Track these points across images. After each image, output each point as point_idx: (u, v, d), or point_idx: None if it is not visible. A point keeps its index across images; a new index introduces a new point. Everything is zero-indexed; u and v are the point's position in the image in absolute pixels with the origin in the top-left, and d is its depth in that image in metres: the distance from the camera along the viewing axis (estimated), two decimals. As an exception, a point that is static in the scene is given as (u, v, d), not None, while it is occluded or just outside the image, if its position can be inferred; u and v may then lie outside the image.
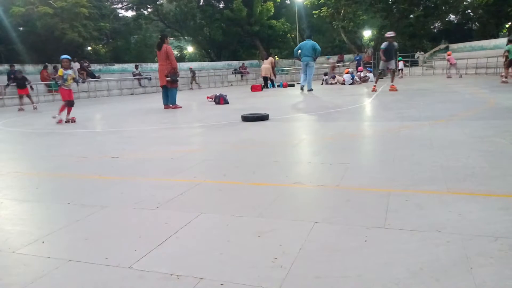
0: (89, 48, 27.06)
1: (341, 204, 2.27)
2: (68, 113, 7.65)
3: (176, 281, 1.49)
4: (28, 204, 2.65)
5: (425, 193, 2.35)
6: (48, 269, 1.65)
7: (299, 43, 30.58)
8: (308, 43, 13.03)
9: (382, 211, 2.08)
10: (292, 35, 33.87)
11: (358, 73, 18.24)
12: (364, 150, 3.98)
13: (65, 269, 1.65)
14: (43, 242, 1.94)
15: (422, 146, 3.70)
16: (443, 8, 24.27)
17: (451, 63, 17.46)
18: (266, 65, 17.59)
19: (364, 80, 17.68)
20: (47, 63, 18.08)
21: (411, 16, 23.77)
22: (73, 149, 4.76)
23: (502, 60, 13.61)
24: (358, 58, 22.20)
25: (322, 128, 5.50)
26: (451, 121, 5.21)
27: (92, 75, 19.00)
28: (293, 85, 19.10)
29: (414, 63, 24.01)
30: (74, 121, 7.59)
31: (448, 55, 18.22)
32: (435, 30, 31.59)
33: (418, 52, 24.83)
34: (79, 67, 18.96)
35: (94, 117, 9.38)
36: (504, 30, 28.13)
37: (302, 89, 13.25)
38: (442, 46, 25.20)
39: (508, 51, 12.52)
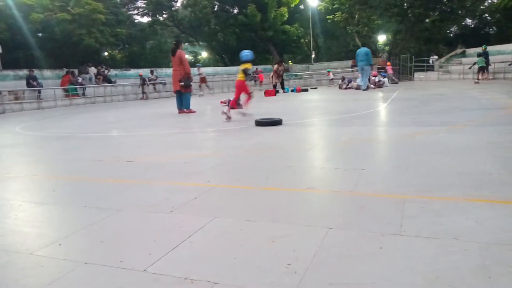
0: (106, 53, 27.54)
1: (355, 210, 2.25)
2: None
3: (190, 285, 1.49)
4: (46, 206, 2.70)
5: (441, 199, 2.32)
6: (65, 271, 1.67)
7: (313, 48, 30.66)
8: (363, 50, 14.98)
9: (397, 218, 2.06)
10: (306, 40, 33.88)
11: (373, 78, 18.10)
12: (379, 155, 3.95)
13: (81, 272, 1.67)
14: (59, 244, 1.97)
15: (438, 152, 3.65)
16: (460, 12, 23.96)
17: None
18: (273, 70, 18.75)
19: (379, 85, 17.53)
20: (70, 69, 18.46)
21: (427, 20, 23.52)
22: (89, 152, 4.84)
23: None
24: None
25: (336, 133, 5.47)
26: (468, 126, 5.12)
27: (108, 80, 19.30)
28: (306, 90, 19.06)
29: (430, 68, 23.70)
30: None
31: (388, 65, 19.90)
32: (451, 35, 31.14)
33: (432, 57, 24.48)
34: (95, 72, 19.31)
35: (110, 121, 9.51)
36: (523, 34, 27.60)
37: (358, 88, 15.44)
38: (459, 50, 24.83)
39: None
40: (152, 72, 21.61)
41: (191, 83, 10.00)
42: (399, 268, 1.54)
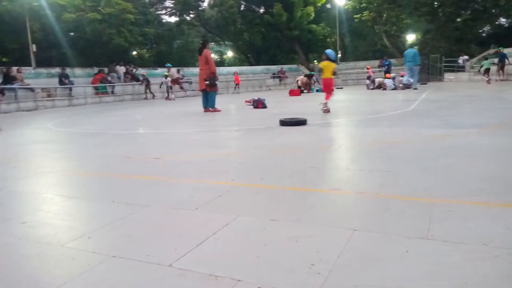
0: (134, 52, 28.14)
1: (380, 212, 2.22)
2: None
3: (214, 282, 1.51)
4: (76, 200, 2.79)
5: (471, 204, 2.25)
6: (94, 264, 1.73)
7: (339, 47, 30.31)
8: (411, 51, 15.98)
9: (424, 221, 2.02)
10: (332, 40, 33.54)
11: (401, 78, 17.72)
12: (406, 157, 3.87)
13: (109, 265, 1.72)
14: (89, 237, 2.03)
15: (468, 155, 3.54)
16: (493, 11, 23.12)
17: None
18: (302, 78, 19.05)
19: (407, 85, 17.15)
20: (101, 68, 19.02)
21: (458, 19, 22.82)
22: (117, 149, 4.97)
23: None
24: (386, 63, 20.57)
25: (361, 134, 5.40)
26: (500, 129, 4.95)
27: (136, 78, 19.74)
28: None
29: (461, 69, 22.97)
30: None
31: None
32: (483, 34, 30.09)
33: (461, 57, 23.69)
34: (124, 71, 19.79)
35: (137, 119, 9.72)
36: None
37: (408, 87, 15.80)
38: (491, 51, 23.95)
39: None
40: (178, 71, 21.93)
41: (217, 82, 10.09)
42: (425, 273, 1.51)
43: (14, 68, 15.66)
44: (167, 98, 17.68)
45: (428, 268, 1.55)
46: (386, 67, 20.06)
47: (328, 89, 8.44)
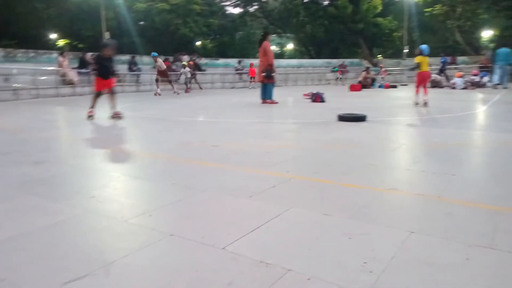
0: (198, 43, 28.98)
1: (441, 216, 2.11)
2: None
3: (265, 268, 1.55)
4: (139, 180, 2.97)
5: (546, 216, 2.07)
6: (153, 240, 1.84)
7: (407, 42, 28.89)
8: (505, 50, 15.82)
9: (488, 230, 1.89)
10: (399, 34, 32.01)
11: (473, 77, 16.53)
12: (473, 161, 3.63)
13: (167, 242, 1.82)
14: (150, 215, 2.16)
15: (546, 163, 3.24)
16: None
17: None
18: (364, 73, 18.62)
19: (479, 85, 15.98)
20: (168, 57, 19.88)
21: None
22: (179, 135, 5.19)
23: None
24: (442, 60, 19.39)
25: (425, 134, 5.14)
26: None
27: (199, 68, 20.36)
28: (395, 87, 18.10)
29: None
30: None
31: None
32: None
33: None
34: (188, 60, 20.47)
35: (198, 107, 10.04)
36: None
37: (496, 87, 15.38)
38: None
39: None
40: (239, 62, 22.26)
41: (273, 74, 10.03)
42: (486, 283, 1.43)
43: (89, 54, 16.85)
44: (187, 90, 16.08)
45: (489, 278, 1.46)
46: (442, 64, 18.93)
47: (423, 82, 8.87)
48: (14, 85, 12.52)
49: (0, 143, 4.59)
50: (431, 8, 23.50)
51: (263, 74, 9.82)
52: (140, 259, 1.67)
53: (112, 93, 6.89)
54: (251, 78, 18.93)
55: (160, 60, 14.87)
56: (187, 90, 16.10)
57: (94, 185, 2.86)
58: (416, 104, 8.79)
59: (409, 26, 28.96)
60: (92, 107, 6.73)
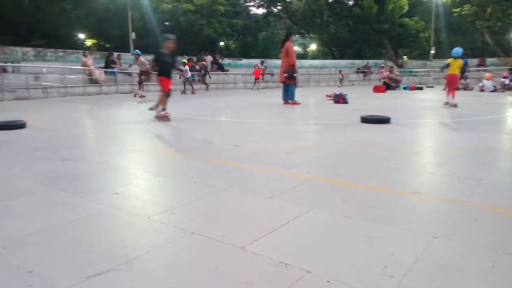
0: (222, 43, 29.17)
1: (466, 222, 2.06)
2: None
3: (284, 269, 1.55)
4: (162, 178, 3.02)
5: None
6: (174, 238, 1.87)
7: (433, 43, 28.23)
8: None
9: (517, 238, 1.83)
10: (426, 35, 31.30)
11: (502, 79, 16.00)
12: (501, 166, 3.52)
13: (188, 240, 1.85)
14: (172, 213, 2.20)
15: None
16: None
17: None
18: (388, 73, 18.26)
19: (508, 87, 15.47)
20: (191, 57, 20.13)
21: None
22: (201, 134, 5.24)
23: None
24: (464, 62, 18.80)
25: (452, 137, 5.02)
26: None
27: (222, 68, 20.52)
28: (421, 89, 17.72)
29: None
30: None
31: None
32: None
33: None
34: (211, 60, 20.66)
35: (221, 107, 10.11)
36: None
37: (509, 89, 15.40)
38: None
39: None
40: (262, 62, 22.28)
41: (295, 75, 9.96)
42: (514, 292, 1.38)
43: (115, 54, 17.25)
44: (183, 92, 14.92)
45: (518, 288, 1.42)
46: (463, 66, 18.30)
47: (450, 84, 8.96)
48: (43, 83, 12.94)
49: (30, 140, 4.75)
50: (459, 9, 22.86)
51: (285, 74, 9.79)
52: (162, 255, 1.70)
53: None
54: (255, 79, 18.76)
55: (143, 59, 13.19)
56: (183, 92, 14.81)
57: (118, 182, 2.92)
58: (446, 104, 8.88)
59: (436, 27, 28.29)
60: (164, 109, 6.50)
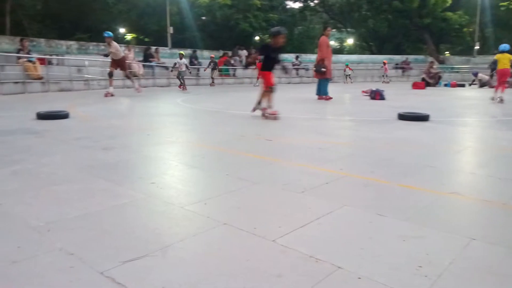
0: (257, 37, 29.18)
1: (507, 225, 1.97)
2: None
3: (314, 264, 1.55)
4: (196, 170, 3.09)
5: None
6: (207, 228, 1.91)
7: (478, 38, 26.95)
8: None
9: None
10: (470, 29, 29.90)
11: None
12: (549, 169, 3.33)
13: (220, 230, 1.89)
14: (205, 203, 2.24)
15: None
16: None
17: None
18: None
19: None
20: (227, 51, 20.30)
21: None
22: (234, 127, 5.29)
23: None
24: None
25: (494, 136, 4.79)
26: None
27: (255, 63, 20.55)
28: (463, 86, 17.00)
29: None
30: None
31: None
32: None
33: None
34: (246, 54, 20.74)
35: (254, 101, 10.12)
36: None
37: None
38: None
39: None
40: (296, 57, 22.13)
41: (323, 69, 9.66)
42: (557, 300, 1.32)
43: (153, 48, 17.68)
44: (180, 86, 13.65)
45: (562, 296, 1.35)
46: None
47: (502, 79, 9.07)
48: (85, 75, 13.49)
49: (73, 130, 4.98)
50: (507, 2, 21.67)
51: (314, 69, 9.67)
52: (195, 244, 1.74)
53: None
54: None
55: (115, 45, 10.15)
56: (180, 86, 13.64)
57: (154, 172, 3.01)
58: (492, 99, 9.07)
59: (481, 22, 26.94)
60: (270, 106, 6.05)
